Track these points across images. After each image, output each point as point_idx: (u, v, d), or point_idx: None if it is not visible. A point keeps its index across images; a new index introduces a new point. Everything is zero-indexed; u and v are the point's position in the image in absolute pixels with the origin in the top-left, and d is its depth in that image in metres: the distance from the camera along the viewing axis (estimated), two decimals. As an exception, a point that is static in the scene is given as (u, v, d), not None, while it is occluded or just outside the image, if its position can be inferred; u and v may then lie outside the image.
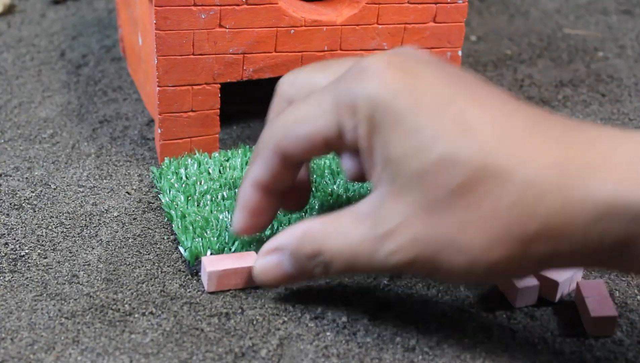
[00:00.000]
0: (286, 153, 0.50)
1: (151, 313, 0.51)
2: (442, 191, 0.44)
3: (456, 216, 0.44)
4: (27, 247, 0.56)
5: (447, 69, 0.47)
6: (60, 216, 0.59)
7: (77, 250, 0.56)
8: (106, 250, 0.56)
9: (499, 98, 0.46)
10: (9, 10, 0.90)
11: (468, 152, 0.43)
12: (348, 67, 0.48)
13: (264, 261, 0.51)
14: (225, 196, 0.59)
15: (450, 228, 0.44)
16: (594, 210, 0.42)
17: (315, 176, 0.61)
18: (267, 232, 0.56)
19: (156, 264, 0.55)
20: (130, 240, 0.57)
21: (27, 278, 0.54)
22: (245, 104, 0.74)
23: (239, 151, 0.65)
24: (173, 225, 0.57)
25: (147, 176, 0.64)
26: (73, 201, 0.61)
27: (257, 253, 0.54)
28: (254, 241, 0.55)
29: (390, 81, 0.45)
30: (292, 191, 0.54)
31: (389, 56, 0.47)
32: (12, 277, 0.54)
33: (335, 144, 0.48)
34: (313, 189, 0.60)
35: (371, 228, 0.46)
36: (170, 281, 0.54)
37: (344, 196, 0.59)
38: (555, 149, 0.43)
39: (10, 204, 0.60)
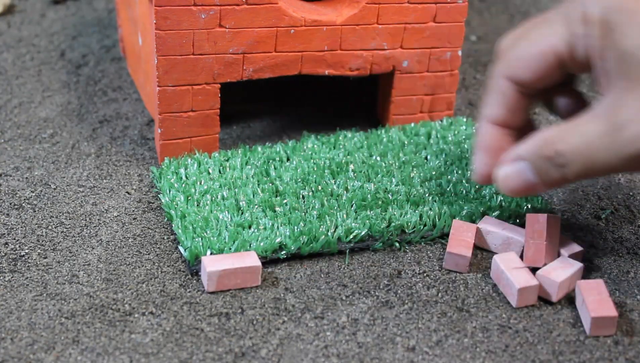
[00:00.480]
0: (518, 78, 0.51)
1: (151, 313, 0.51)
2: None
3: None
4: (27, 247, 0.56)
5: None
6: (60, 216, 0.59)
7: (77, 250, 0.56)
8: (106, 250, 0.56)
9: None
10: (9, 10, 0.90)
11: None
12: None
13: (506, 170, 0.52)
14: (225, 195, 0.59)
15: None
16: None
17: (315, 176, 0.61)
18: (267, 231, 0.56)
19: (156, 264, 0.55)
20: (130, 240, 0.57)
21: (27, 278, 0.54)
22: (245, 104, 0.74)
23: (239, 151, 0.65)
24: (173, 225, 0.57)
25: (147, 176, 0.64)
26: (73, 201, 0.61)
27: (256, 253, 0.54)
28: (253, 240, 0.55)
29: None
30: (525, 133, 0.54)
31: None
32: (12, 277, 0.54)
33: (568, 61, 0.49)
34: (319, 188, 0.60)
35: (608, 123, 0.47)
36: (170, 281, 0.54)
37: (344, 196, 0.59)
38: None
39: (10, 204, 0.60)
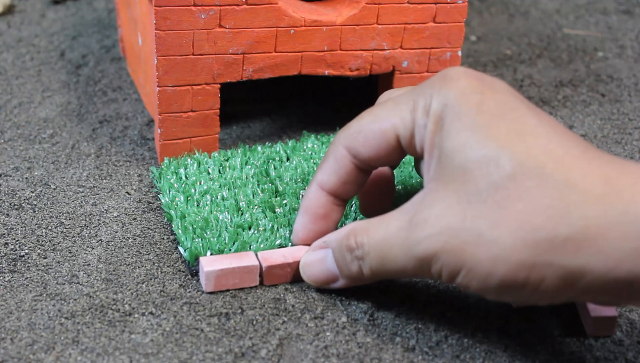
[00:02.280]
0: (357, 152, 0.51)
1: (151, 313, 0.51)
2: (481, 185, 0.44)
3: (490, 210, 0.44)
4: (27, 247, 0.56)
5: (520, 96, 0.48)
6: (60, 216, 0.59)
7: (77, 250, 0.56)
8: (106, 250, 0.56)
9: (561, 126, 0.47)
10: (9, 10, 0.90)
11: (516, 150, 0.44)
12: (430, 78, 0.50)
13: (309, 256, 0.52)
14: (225, 196, 0.59)
15: (481, 221, 0.44)
16: (634, 227, 0.41)
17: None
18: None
19: (156, 264, 0.55)
20: (130, 240, 0.57)
21: (27, 278, 0.54)
22: (245, 104, 0.74)
23: (239, 151, 0.65)
24: (173, 225, 0.57)
25: (147, 176, 0.64)
26: (73, 201, 0.61)
27: (256, 253, 0.54)
28: (253, 241, 0.55)
29: (464, 84, 0.47)
30: (373, 194, 0.55)
31: (470, 69, 0.49)
32: (12, 277, 0.54)
33: (407, 144, 0.49)
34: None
35: (409, 219, 0.47)
36: (170, 281, 0.54)
37: (344, 196, 0.59)
38: (605, 166, 0.43)
39: (10, 204, 0.60)
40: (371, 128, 0.50)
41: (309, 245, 0.54)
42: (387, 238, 0.48)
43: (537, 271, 0.43)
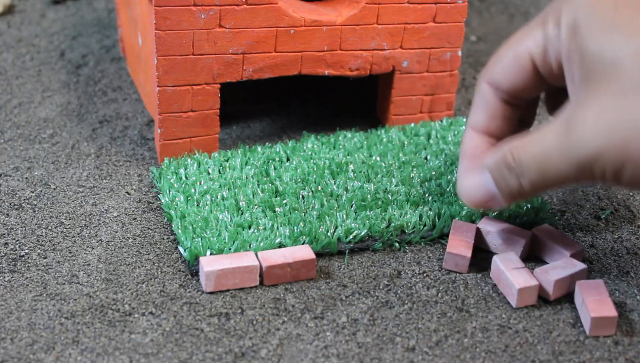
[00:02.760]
0: (497, 83, 0.51)
1: (151, 313, 0.51)
2: (637, 78, 0.44)
3: None
4: (27, 247, 0.56)
5: None
6: (60, 216, 0.59)
7: (77, 250, 0.56)
8: (106, 250, 0.56)
9: None
10: (9, 10, 0.90)
11: None
12: None
13: (467, 181, 0.52)
14: (225, 196, 0.59)
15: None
16: None
17: (315, 176, 0.61)
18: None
19: (156, 264, 0.55)
20: (130, 240, 0.57)
21: (27, 278, 0.54)
22: (245, 104, 0.74)
23: (239, 151, 0.65)
24: (173, 225, 0.57)
25: (147, 176, 0.64)
26: (73, 201, 0.61)
27: (255, 253, 0.54)
28: (253, 240, 0.55)
29: None
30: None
31: None
32: (12, 277, 0.54)
33: (541, 63, 0.49)
34: (319, 188, 0.60)
35: (564, 126, 0.46)
36: (170, 281, 0.54)
37: (344, 196, 0.59)
38: None
39: (10, 204, 0.60)
40: (506, 55, 0.51)
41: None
42: (544, 148, 0.47)
43: None
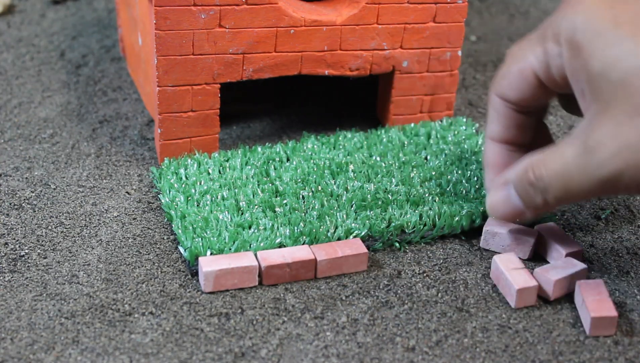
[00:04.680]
0: (507, 96, 0.52)
1: (151, 313, 0.51)
2: None
3: None
4: (27, 247, 0.56)
5: None
6: (60, 216, 0.59)
7: (77, 250, 0.56)
8: (106, 250, 0.56)
9: None
10: (9, 10, 0.90)
11: None
12: (558, 8, 0.50)
13: (494, 197, 0.53)
14: (225, 196, 0.59)
15: None
16: None
17: (315, 176, 0.61)
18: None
19: (156, 264, 0.55)
20: (130, 240, 0.57)
21: (27, 278, 0.54)
22: (245, 104, 0.74)
23: (239, 151, 0.65)
24: (173, 225, 0.57)
25: (147, 176, 0.64)
26: (73, 201, 0.61)
27: (255, 253, 0.54)
28: (253, 240, 0.55)
29: (590, 3, 0.47)
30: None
31: None
32: (12, 277, 0.54)
33: (546, 78, 0.50)
34: (319, 188, 0.60)
35: (582, 145, 0.47)
36: (170, 281, 0.54)
37: (344, 196, 0.59)
38: None
39: (10, 204, 0.60)
40: (511, 70, 0.52)
41: None
42: (565, 167, 0.48)
43: None
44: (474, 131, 0.68)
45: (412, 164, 0.63)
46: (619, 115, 0.45)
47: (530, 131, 0.55)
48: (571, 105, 0.55)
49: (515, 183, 0.51)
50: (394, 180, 0.61)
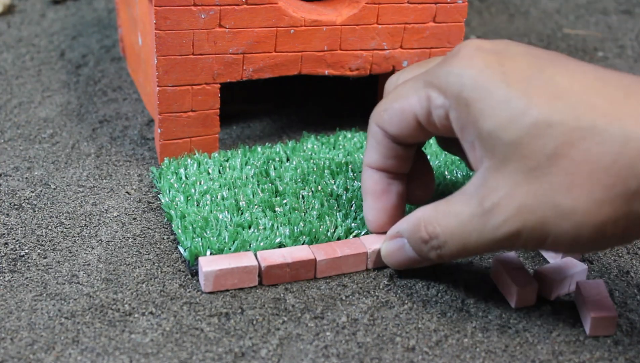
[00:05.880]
0: (386, 129, 0.52)
1: (151, 313, 0.51)
2: (540, 156, 0.44)
3: (557, 180, 0.44)
4: (27, 247, 0.56)
5: (534, 48, 0.49)
6: (60, 216, 0.59)
7: (77, 250, 0.56)
8: (106, 250, 0.56)
9: (588, 66, 0.47)
10: (9, 10, 0.90)
11: (561, 115, 0.44)
12: (444, 57, 0.50)
13: (388, 246, 0.53)
14: (225, 196, 0.59)
15: (552, 193, 0.44)
16: None
17: (315, 176, 0.61)
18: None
19: (156, 264, 0.55)
20: (130, 240, 0.57)
21: (27, 278, 0.54)
22: (245, 104, 0.74)
23: (239, 151, 0.65)
24: (173, 225, 0.57)
25: (147, 176, 0.64)
26: (73, 201, 0.61)
27: (255, 253, 0.54)
28: (253, 240, 0.55)
29: (479, 60, 0.47)
30: (414, 182, 0.56)
31: (481, 41, 0.48)
32: (12, 277, 0.54)
33: (426, 123, 0.50)
34: (319, 188, 0.60)
35: (478, 205, 0.47)
36: (170, 281, 0.54)
37: (344, 196, 0.59)
38: None
39: (10, 204, 0.60)
40: (393, 107, 0.51)
41: (383, 230, 0.55)
42: (462, 227, 0.48)
43: (619, 224, 0.44)
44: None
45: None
46: (514, 176, 0.45)
47: (409, 161, 0.54)
48: (450, 146, 0.56)
49: (407, 238, 0.51)
50: (394, 180, 0.61)
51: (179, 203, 0.58)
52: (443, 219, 0.49)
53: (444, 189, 0.61)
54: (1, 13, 0.89)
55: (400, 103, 0.51)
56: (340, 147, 0.65)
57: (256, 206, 0.58)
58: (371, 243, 0.55)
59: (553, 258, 0.56)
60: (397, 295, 0.54)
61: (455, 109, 0.47)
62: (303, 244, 0.55)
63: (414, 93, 0.50)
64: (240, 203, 0.58)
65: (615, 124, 0.43)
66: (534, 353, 0.50)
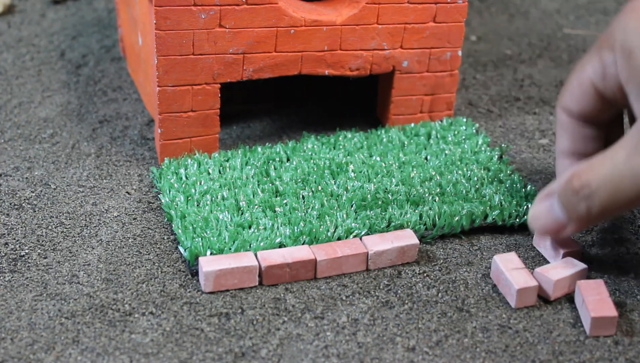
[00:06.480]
0: (570, 109, 0.52)
1: (151, 313, 0.51)
2: None
3: None
4: (27, 247, 0.56)
5: None
6: (60, 216, 0.59)
7: (77, 250, 0.56)
8: (106, 250, 0.56)
9: None
10: (9, 10, 0.90)
11: None
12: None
13: (536, 208, 0.52)
14: (225, 196, 0.59)
15: None
16: None
17: (315, 176, 0.61)
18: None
19: (156, 264, 0.55)
20: (130, 240, 0.57)
21: (27, 278, 0.54)
22: (245, 104, 0.74)
23: (239, 151, 0.65)
24: (173, 225, 0.57)
25: (147, 176, 0.64)
26: (73, 201, 0.61)
27: (255, 253, 0.54)
28: (253, 240, 0.55)
29: None
30: None
31: None
32: (12, 277, 0.54)
33: (603, 88, 0.50)
34: (319, 188, 0.60)
35: (635, 146, 0.46)
36: (170, 281, 0.54)
37: (344, 196, 0.59)
38: None
39: (10, 204, 0.60)
40: (572, 83, 0.52)
41: None
42: (615, 170, 0.47)
43: None
44: (474, 131, 0.68)
45: (412, 164, 0.63)
46: None
47: (599, 142, 0.54)
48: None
49: (559, 192, 0.50)
50: (394, 180, 0.61)
51: (179, 203, 0.58)
52: (597, 167, 0.48)
53: (444, 189, 0.61)
54: (1, 13, 0.88)
55: (578, 76, 0.51)
56: (340, 147, 0.65)
57: (256, 206, 0.58)
58: (372, 244, 0.55)
59: (553, 258, 0.56)
60: (397, 295, 0.54)
61: (621, 60, 0.48)
62: (303, 244, 0.55)
63: (588, 62, 0.51)
64: (241, 203, 0.58)
65: None
66: (534, 353, 0.50)
